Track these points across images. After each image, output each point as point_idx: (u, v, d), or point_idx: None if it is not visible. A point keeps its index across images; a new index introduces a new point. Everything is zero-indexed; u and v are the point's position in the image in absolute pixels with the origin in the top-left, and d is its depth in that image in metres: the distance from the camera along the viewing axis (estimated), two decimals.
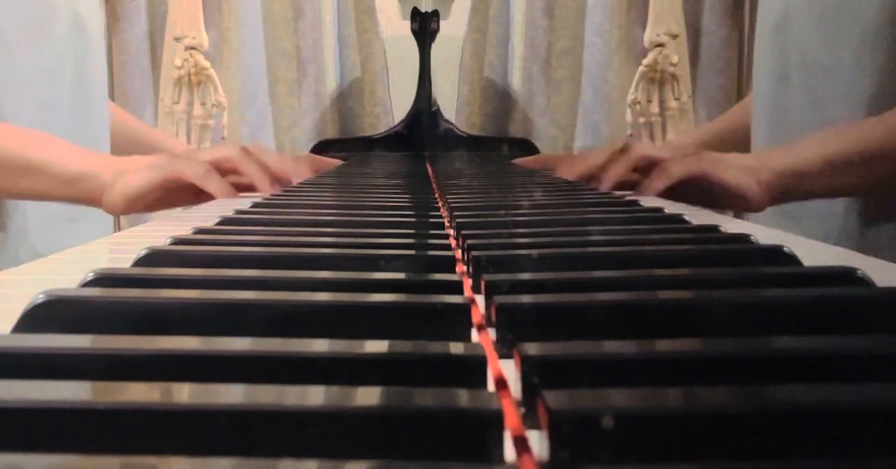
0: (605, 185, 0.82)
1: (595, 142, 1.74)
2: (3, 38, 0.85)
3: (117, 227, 1.22)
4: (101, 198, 0.80)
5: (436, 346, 0.25)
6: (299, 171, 1.03)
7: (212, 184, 0.79)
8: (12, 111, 0.90)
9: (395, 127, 1.61)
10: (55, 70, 0.92)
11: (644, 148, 0.85)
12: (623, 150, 0.84)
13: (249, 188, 0.84)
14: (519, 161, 1.38)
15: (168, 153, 0.85)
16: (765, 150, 0.87)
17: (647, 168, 0.81)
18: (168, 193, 0.81)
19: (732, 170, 0.78)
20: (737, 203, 0.81)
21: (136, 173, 0.79)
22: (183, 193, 0.82)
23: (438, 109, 1.59)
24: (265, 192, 0.82)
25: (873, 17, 0.81)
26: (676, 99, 1.74)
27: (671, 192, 0.79)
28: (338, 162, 1.34)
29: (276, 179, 0.85)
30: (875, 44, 0.81)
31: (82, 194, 0.80)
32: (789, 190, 0.80)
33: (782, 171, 0.79)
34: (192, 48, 1.76)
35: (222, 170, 0.82)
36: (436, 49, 1.60)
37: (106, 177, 0.80)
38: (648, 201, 0.73)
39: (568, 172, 0.93)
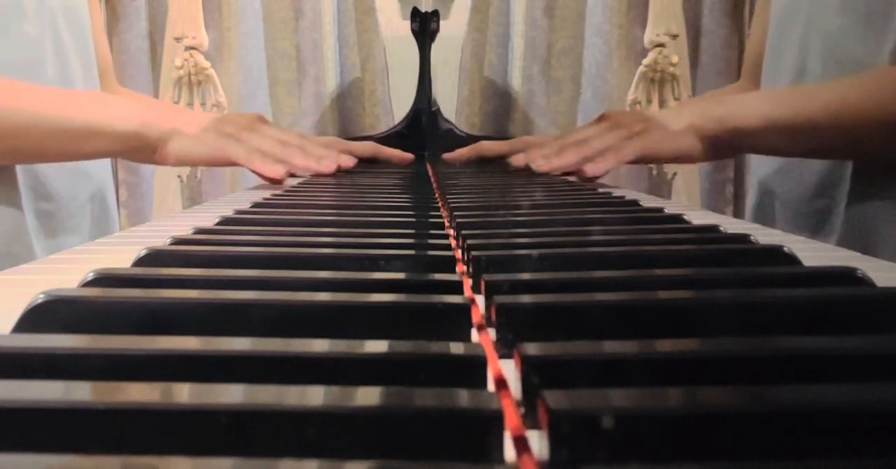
0: (535, 164, 0.91)
1: None
2: None
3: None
4: (154, 151, 0.88)
5: (436, 346, 0.25)
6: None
7: (257, 163, 0.88)
8: None
9: (395, 127, 1.61)
10: (31, 63, 0.92)
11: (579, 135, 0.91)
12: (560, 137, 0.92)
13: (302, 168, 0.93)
14: (451, 155, 1.38)
15: (224, 132, 0.91)
16: (712, 102, 0.89)
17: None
18: (214, 162, 0.91)
19: (672, 139, 0.84)
20: (678, 163, 0.87)
21: (189, 142, 0.88)
22: (228, 162, 0.91)
23: (438, 109, 1.59)
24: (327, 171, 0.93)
25: None
26: (676, 99, 1.74)
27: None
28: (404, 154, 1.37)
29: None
30: None
31: (139, 148, 0.88)
32: (730, 144, 0.85)
33: (724, 127, 0.83)
34: (192, 48, 1.76)
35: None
36: (436, 49, 1.60)
37: (157, 131, 0.87)
38: (648, 201, 0.73)
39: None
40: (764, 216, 0.99)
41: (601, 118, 0.94)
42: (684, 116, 0.86)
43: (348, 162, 1.01)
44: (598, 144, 0.88)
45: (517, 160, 0.99)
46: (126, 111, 0.88)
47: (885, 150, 0.80)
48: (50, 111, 0.82)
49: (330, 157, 0.97)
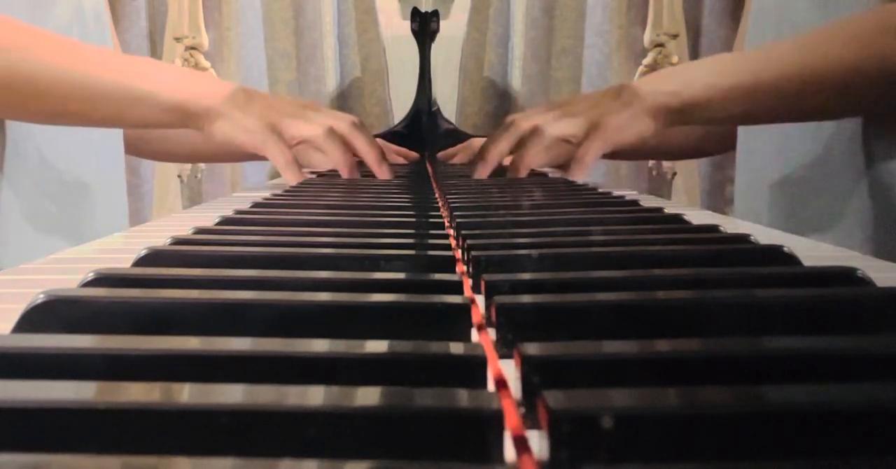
0: (486, 166, 0.90)
1: None
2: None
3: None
4: (202, 125, 0.86)
5: (436, 346, 0.25)
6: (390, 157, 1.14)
7: (289, 174, 0.89)
8: None
9: (395, 127, 1.61)
10: None
11: (525, 118, 0.90)
12: (506, 127, 0.90)
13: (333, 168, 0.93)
14: (444, 154, 1.37)
15: (268, 121, 0.89)
16: (662, 76, 0.88)
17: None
18: (253, 153, 0.90)
19: (629, 126, 0.84)
20: (639, 145, 0.87)
21: (232, 128, 0.86)
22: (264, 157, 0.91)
23: (438, 109, 1.59)
24: (346, 175, 0.91)
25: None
26: None
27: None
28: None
29: (355, 166, 0.93)
30: None
31: (185, 121, 0.86)
32: (684, 118, 0.84)
33: (677, 101, 0.83)
34: (192, 48, 1.76)
35: (313, 145, 0.91)
36: (436, 49, 1.59)
37: (202, 107, 0.85)
38: (648, 201, 0.73)
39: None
40: (752, 198, 0.98)
41: (551, 106, 0.92)
42: (636, 97, 0.84)
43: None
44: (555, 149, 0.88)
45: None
46: (175, 81, 0.86)
47: (845, 108, 0.80)
48: (97, 73, 0.81)
49: (387, 165, 0.94)
